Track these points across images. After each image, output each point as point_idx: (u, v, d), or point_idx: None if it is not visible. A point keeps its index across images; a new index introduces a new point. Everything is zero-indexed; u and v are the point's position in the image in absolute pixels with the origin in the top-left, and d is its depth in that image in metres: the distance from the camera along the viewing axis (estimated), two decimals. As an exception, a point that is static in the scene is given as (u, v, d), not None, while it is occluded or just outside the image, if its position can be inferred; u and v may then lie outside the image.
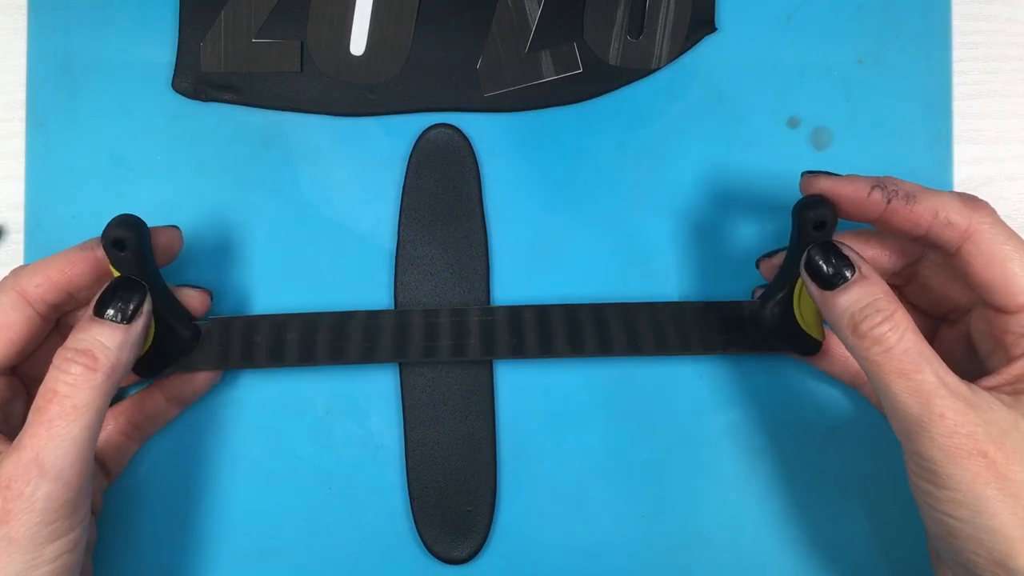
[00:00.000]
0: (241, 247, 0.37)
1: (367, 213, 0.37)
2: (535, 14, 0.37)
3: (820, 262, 0.29)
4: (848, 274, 0.29)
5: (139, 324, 0.30)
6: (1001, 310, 0.29)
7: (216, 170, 0.37)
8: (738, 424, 0.36)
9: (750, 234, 0.37)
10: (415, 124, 0.37)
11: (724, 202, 0.37)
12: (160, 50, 0.37)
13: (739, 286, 0.36)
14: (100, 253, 0.31)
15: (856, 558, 0.36)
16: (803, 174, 0.31)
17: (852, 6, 0.37)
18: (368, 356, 0.34)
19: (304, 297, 0.36)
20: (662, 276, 0.37)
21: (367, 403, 0.36)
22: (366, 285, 0.36)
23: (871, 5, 0.37)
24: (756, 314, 0.34)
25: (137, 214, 0.31)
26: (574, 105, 0.37)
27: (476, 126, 0.37)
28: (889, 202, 0.29)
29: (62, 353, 0.28)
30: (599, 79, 0.37)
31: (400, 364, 0.36)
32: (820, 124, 0.37)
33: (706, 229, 0.37)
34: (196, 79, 0.37)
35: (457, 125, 0.37)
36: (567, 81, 0.37)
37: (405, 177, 0.37)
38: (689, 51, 0.37)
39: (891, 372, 0.27)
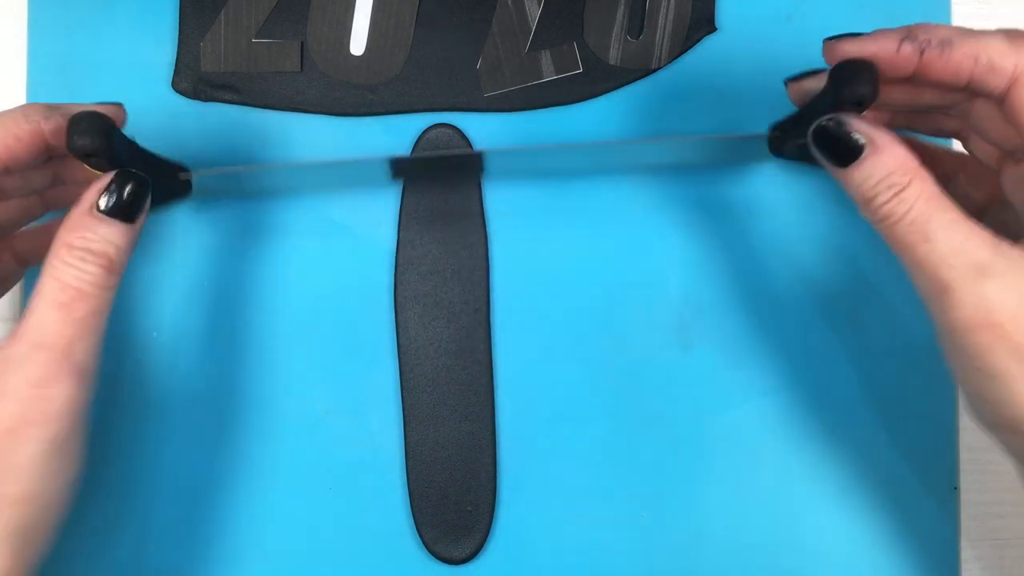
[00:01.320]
0: (241, 247, 0.36)
1: (367, 213, 0.37)
2: (535, 14, 0.37)
3: (829, 139, 0.27)
4: (859, 149, 0.26)
5: (141, 221, 0.29)
6: None
7: (216, 170, 0.37)
8: (738, 424, 0.36)
9: (750, 234, 0.37)
10: (415, 124, 0.37)
11: (724, 202, 0.37)
12: (160, 50, 0.37)
13: (738, 284, 0.36)
14: (49, 127, 0.28)
15: (856, 558, 0.36)
16: (825, 41, 0.28)
17: (852, 6, 0.37)
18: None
19: (304, 297, 0.36)
20: (662, 276, 0.37)
21: (367, 403, 0.36)
22: (366, 285, 0.36)
23: (871, 5, 0.37)
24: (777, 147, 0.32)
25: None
26: (574, 105, 0.37)
27: (476, 126, 0.37)
28: (923, 53, 0.26)
29: (75, 251, 0.27)
30: (599, 79, 0.37)
31: (400, 364, 0.36)
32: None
33: (706, 229, 0.37)
34: (196, 79, 0.37)
35: (457, 125, 0.37)
36: (567, 81, 0.37)
37: (405, 176, 0.37)
38: (689, 51, 0.37)
39: (899, 245, 0.26)
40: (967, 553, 0.36)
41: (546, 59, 0.37)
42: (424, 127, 0.37)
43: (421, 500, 0.36)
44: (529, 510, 0.36)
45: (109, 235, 0.27)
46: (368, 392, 0.36)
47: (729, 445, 0.36)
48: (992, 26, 0.38)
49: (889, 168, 0.26)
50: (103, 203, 0.28)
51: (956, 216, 0.25)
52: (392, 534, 0.36)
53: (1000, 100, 0.26)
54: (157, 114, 0.37)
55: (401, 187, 0.37)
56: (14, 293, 0.36)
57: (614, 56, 0.37)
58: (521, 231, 0.37)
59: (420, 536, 0.36)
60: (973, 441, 0.37)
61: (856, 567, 0.36)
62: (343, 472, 0.36)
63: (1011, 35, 0.26)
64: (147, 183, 0.29)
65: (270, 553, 0.36)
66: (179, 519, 0.36)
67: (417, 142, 0.37)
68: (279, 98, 0.37)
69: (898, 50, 0.27)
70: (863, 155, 0.26)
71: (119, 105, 0.31)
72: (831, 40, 0.28)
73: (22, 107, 0.28)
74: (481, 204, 0.36)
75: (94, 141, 0.27)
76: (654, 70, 0.37)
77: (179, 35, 0.37)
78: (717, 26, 0.37)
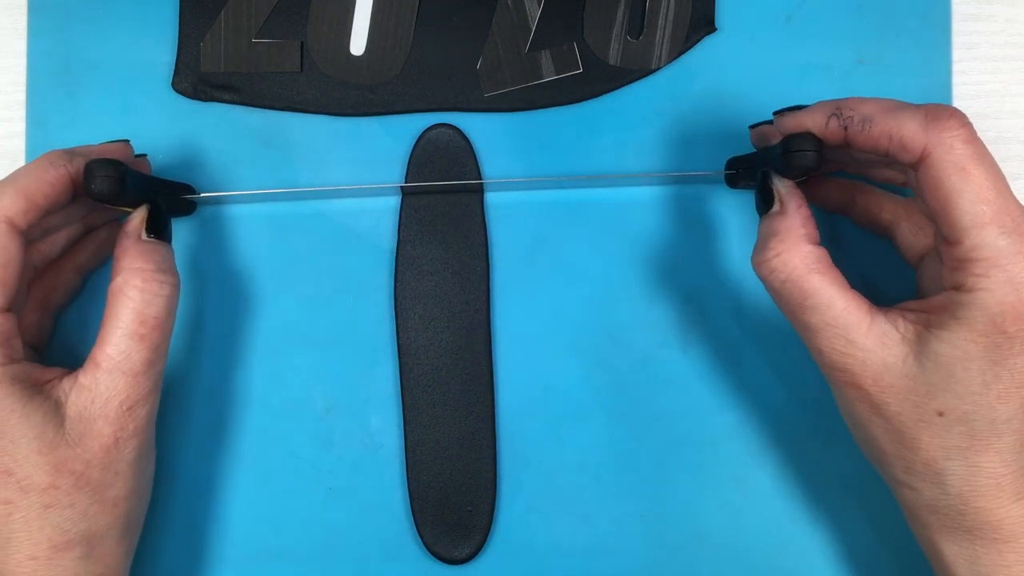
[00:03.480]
0: (241, 247, 0.36)
1: (367, 213, 0.37)
2: (535, 14, 0.37)
3: (759, 190, 0.32)
4: (771, 204, 0.31)
5: (170, 237, 0.33)
6: (946, 240, 0.28)
7: (216, 170, 0.37)
8: (738, 424, 0.36)
9: (750, 234, 0.37)
10: (415, 124, 0.37)
11: (724, 202, 0.37)
12: (160, 50, 0.37)
13: (738, 284, 0.36)
14: (73, 169, 0.31)
15: (856, 558, 0.36)
16: (774, 114, 0.32)
17: (852, 6, 0.37)
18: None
19: (303, 297, 0.36)
20: (662, 276, 0.37)
21: (367, 403, 0.36)
22: (366, 285, 0.36)
23: (871, 5, 0.37)
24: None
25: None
26: (574, 105, 0.37)
27: (476, 126, 0.37)
28: (847, 129, 0.29)
29: (147, 274, 0.30)
30: (599, 79, 0.37)
31: (400, 364, 0.36)
32: (820, 124, 0.37)
33: (706, 229, 0.37)
34: (196, 79, 0.37)
35: (457, 125, 0.37)
36: (567, 81, 0.37)
37: (405, 177, 0.37)
38: (689, 51, 0.37)
39: (784, 306, 0.30)
40: (967, 553, 0.36)
41: (546, 59, 0.37)
42: (424, 127, 0.37)
43: (421, 500, 0.36)
44: (529, 510, 0.36)
45: (164, 256, 0.31)
46: (368, 392, 0.36)
47: (729, 445, 0.36)
48: (992, 26, 0.38)
49: (778, 228, 0.30)
50: (149, 230, 0.32)
51: (835, 289, 0.29)
52: (392, 534, 0.36)
53: (914, 172, 0.29)
54: (157, 114, 0.37)
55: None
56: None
57: (614, 56, 0.37)
58: (521, 231, 0.37)
59: (420, 536, 0.36)
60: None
61: (856, 567, 0.36)
62: (343, 472, 0.36)
63: (929, 115, 0.28)
64: (166, 211, 0.32)
65: (270, 553, 0.36)
66: (179, 519, 0.36)
67: (417, 142, 0.37)
68: (279, 98, 0.37)
69: (827, 125, 0.30)
70: (772, 210, 0.31)
71: (126, 142, 0.34)
72: (778, 114, 0.32)
73: (46, 156, 0.31)
74: (481, 204, 0.36)
75: (111, 187, 0.30)
76: (654, 70, 0.37)
77: (179, 35, 0.37)
78: (717, 26, 0.37)
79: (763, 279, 0.30)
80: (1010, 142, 0.38)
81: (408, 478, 0.36)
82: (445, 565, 0.36)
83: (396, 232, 0.36)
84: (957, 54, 0.37)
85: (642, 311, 0.36)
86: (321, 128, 0.37)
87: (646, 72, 0.37)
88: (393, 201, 0.37)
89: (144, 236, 0.31)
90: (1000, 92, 0.38)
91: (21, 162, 0.37)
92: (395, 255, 0.36)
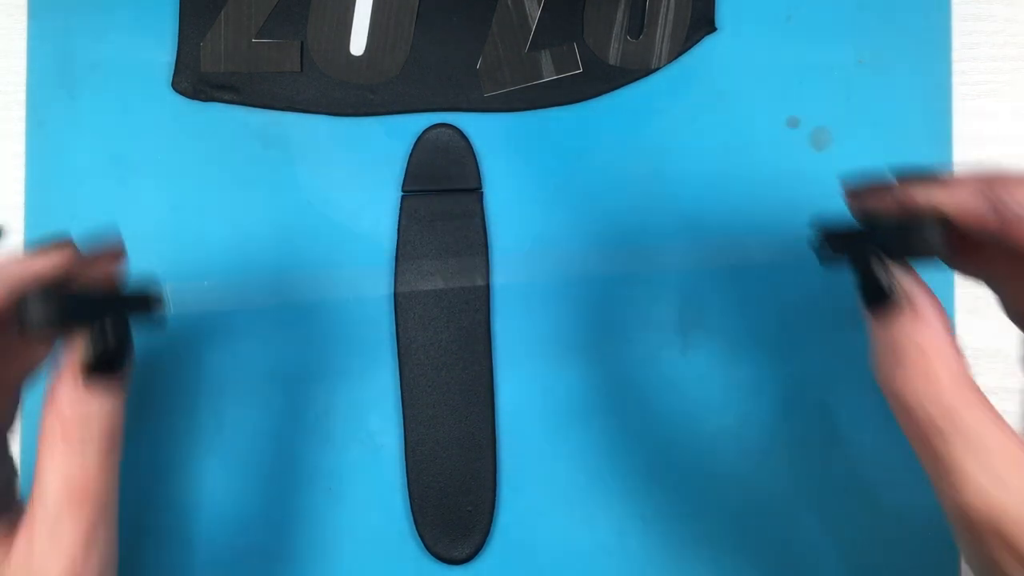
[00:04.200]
0: (241, 247, 0.37)
1: (367, 213, 0.37)
2: (535, 14, 0.37)
3: (867, 279, 0.25)
4: (887, 301, 0.24)
5: (130, 363, 0.27)
6: None
7: (216, 170, 0.37)
8: (738, 424, 0.36)
9: (750, 233, 0.37)
10: (415, 124, 0.37)
11: (724, 202, 0.37)
12: (160, 50, 0.37)
13: (738, 284, 0.36)
14: (74, 251, 0.26)
15: (856, 558, 0.36)
16: (900, 180, 0.25)
17: (852, 6, 0.37)
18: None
19: (303, 297, 0.36)
20: (662, 275, 0.37)
21: (367, 403, 0.36)
22: (366, 285, 0.36)
23: (871, 5, 0.37)
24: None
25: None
26: (574, 105, 0.37)
27: (476, 126, 0.37)
28: (1001, 218, 0.23)
29: (76, 436, 0.25)
30: (599, 79, 0.37)
31: (400, 364, 0.36)
32: (820, 124, 0.37)
33: (706, 229, 0.37)
34: (196, 79, 0.37)
35: (457, 125, 0.37)
36: (567, 81, 0.37)
37: (405, 177, 0.37)
38: (689, 51, 0.37)
39: (917, 431, 0.24)
40: (967, 553, 0.36)
41: (546, 59, 0.37)
42: (424, 127, 0.37)
43: (421, 500, 0.36)
44: (529, 510, 0.36)
45: (101, 408, 0.25)
46: (368, 392, 0.36)
47: (729, 445, 0.36)
48: (992, 26, 0.38)
49: (926, 342, 0.24)
50: (86, 364, 0.25)
51: (983, 414, 0.23)
52: (392, 534, 0.36)
53: None
54: (157, 114, 0.37)
55: (401, 187, 0.37)
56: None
57: (614, 56, 0.37)
58: (521, 231, 0.37)
59: (420, 536, 0.36)
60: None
61: (856, 568, 0.36)
62: (343, 472, 0.36)
63: None
64: (125, 325, 0.26)
65: (270, 553, 0.36)
66: (178, 519, 0.36)
67: (417, 142, 0.37)
68: (279, 98, 0.37)
69: (972, 207, 0.24)
70: (898, 311, 0.24)
71: (67, 244, 0.27)
72: (903, 181, 0.25)
73: (57, 241, 0.26)
74: (481, 204, 0.36)
75: (47, 323, 0.25)
76: (654, 70, 0.37)
77: (179, 35, 0.37)
78: (717, 26, 0.37)
79: (900, 400, 0.24)
80: (1010, 142, 0.38)
81: (408, 478, 0.36)
82: (445, 565, 0.36)
83: (396, 232, 0.37)
84: (957, 54, 0.37)
85: (642, 311, 0.36)
86: (321, 128, 0.37)
87: (646, 72, 0.37)
88: (393, 202, 0.37)
89: (82, 379, 0.25)
90: (1000, 92, 0.38)
91: (21, 162, 0.37)
92: (395, 255, 0.36)
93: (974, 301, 0.37)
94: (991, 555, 0.23)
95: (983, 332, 0.37)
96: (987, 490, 0.22)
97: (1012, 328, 0.37)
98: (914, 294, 0.24)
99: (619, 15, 0.37)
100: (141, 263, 0.36)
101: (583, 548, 0.36)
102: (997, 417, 0.23)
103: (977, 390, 0.24)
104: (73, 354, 0.25)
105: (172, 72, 0.37)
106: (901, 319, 0.24)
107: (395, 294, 0.36)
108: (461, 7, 0.37)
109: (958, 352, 0.24)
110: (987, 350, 0.37)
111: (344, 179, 0.37)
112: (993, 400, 0.37)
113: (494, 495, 0.36)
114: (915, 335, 0.24)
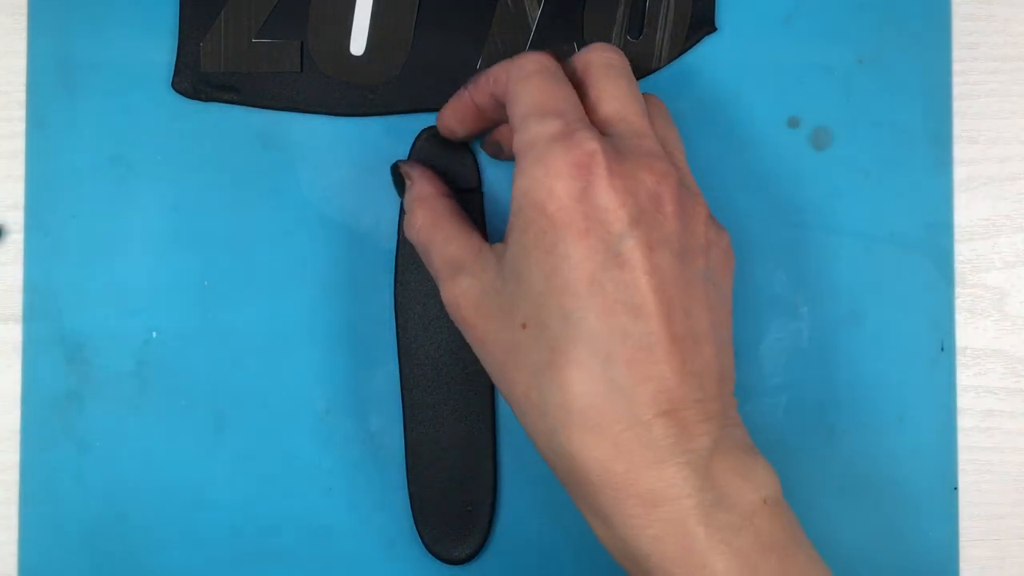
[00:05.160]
0: (241, 247, 0.36)
1: (367, 213, 0.37)
2: (535, 14, 0.37)
3: (395, 178, 0.35)
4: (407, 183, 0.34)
5: None
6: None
7: (216, 170, 0.37)
8: (738, 424, 0.36)
9: (750, 233, 0.37)
10: (415, 124, 0.37)
11: (724, 202, 0.37)
12: (160, 50, 0.37)
13: (738, 284, 0.36)
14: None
15: (856, 558, 0.36)
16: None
17: (852, 6, 0.37)
18: None
19: (303, 297, 0.36)
20: (662, 276, 0.36)
21: (367, 403, 0.36)
22: (366, 285, 0.36)
23: (871, 5, 0.37)
24: None
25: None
26: (574, 105, 0.37)
27: (476, 126, 0.37)
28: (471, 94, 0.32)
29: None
30: (599, 79, 0.37)
31: (400, 364, 0.36)
32: (820, 124, 0.37)
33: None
34: (196, 79, 0.37)
35: (457, 125, 0.37)
36: (567, 81, 0.37)
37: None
38: (689, 51, 0.37)
39: (417, 249, 0.32)
40: (967, 553, 0.36)
41: (546, 59, 0.37)
42: (424, 127, 0.37)
43: (421, 500, 0.36)
44: (529, 510, 0.36)
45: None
46: (368, 392, 0.36)
47: (729, 445, 0.36)
48: (992, 26, 0.38)
49: (411, 197, 0.33)
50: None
51: (449, 233, 0.31)
52: (392, 534, 0.36)
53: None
54: (157, 114, 0.37)
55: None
56: (15, 292, 0.36)
57: (614, 56, 0.37)
58: (521, 231, 0.37)
59: (420, 536, 0.36)
60: (973, 441, 0.37)
61: (856, 567, 0.36)
62: (343, 472, 0.36)
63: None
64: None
65: (270, 554, 0.36)
66: (178, 519, 0.36)
67: (416, 142, 0.36)
68: (279, 98, 0.37)
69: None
70: (407, 186, 0.33)
71: None
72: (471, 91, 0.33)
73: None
74: (481, 204, 0.36)
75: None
76: (654, 70, 0.37)
77: (179, 35, 0.37)
78: (717, 26, 0.37)
79: (413, 240, 0.32)
80: (1010, 142, 0.38)
81: (408, 478, 0.36)
82: (445, 565, 0.36)
83: (396, 232, 0.36)
84: (957, 54, 0.37)
85: (642, 311, 0.36)
86: (321, 128, 0.37)
87: (646, 72, 0.37)
88: (393, 202, 0.37)
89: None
90: (1000, 92, 0.38)
91: (21, 162, 0.37)
92: (395, 255, 0.36)
93: (974, 301, 0.37)
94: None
95: (983, 332, 0.37)
96: (451, 286, 0.30)
97: (1012, 328, 0.37)
98: (411, 172, 0.34)
99: (619, 15, 0.37)
100: (141, 263, 0.36)
101: (583, 548, 0.36)
102: (459, 231, 0.31)
103: (446, 218, 0.32)
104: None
105: (172, 72, 0.37)
106: (408, 190, 0.33)
107: (395, 294, 0.36)
108: (461, 7, 0.37)
109: (432, 199, 0.32)
110: (987, 350, 0.37)
111: (344, 179, 0.37)
112: (993, 400, 0.37)
113: (494, 495, 0.36)
114: (407, 196, 0.33)
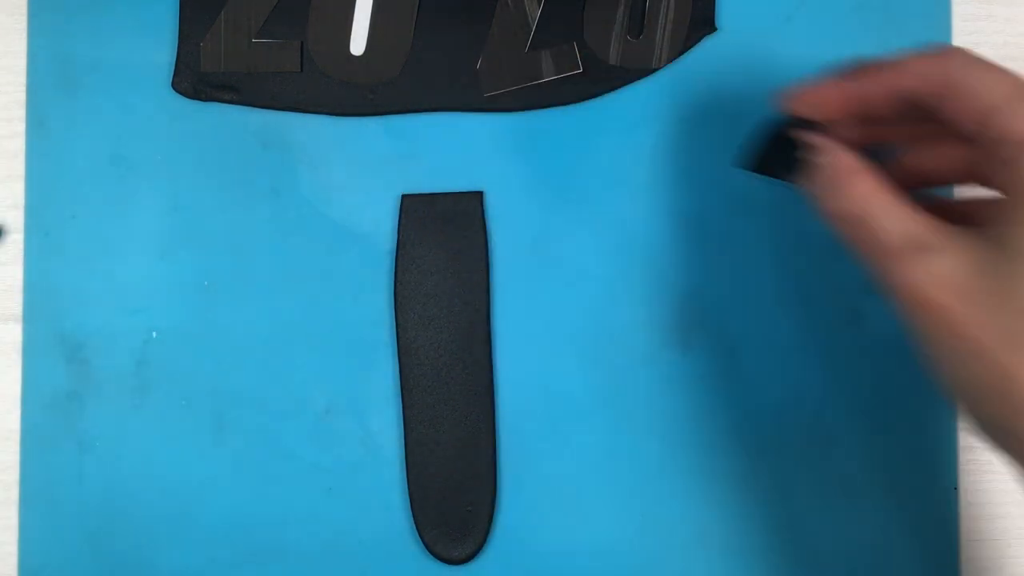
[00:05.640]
0: (241, 247, 0.36)
1: (367, 213, 0.37)
2: (535, 14, 0.37)
3: (783, 153, 0.31)
4: (807, 157, 0.30)
5: None
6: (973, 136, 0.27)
7: (216, 170, 0.37)
8: (738, 424, 0.36)
9: (750, 233, 0.37)
10: (415, 124, 0.37)
11: (724, 202, 0.37)
12: (160, 50, 0.37)
13: (738, 284, 0.37)
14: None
15: (856, 558, 0.36)
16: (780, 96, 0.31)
17: (852, 6, 0.37)
18: None
19: (303, 297, 0.36)
20: (662, 276, 0.37)
21: (367, 403, 0.36)
22: (366, 285, 0.36)
23: (871, 5, 0.37)
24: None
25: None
26: (574, 105, 0.37)
27: (476, 126, 0.37)
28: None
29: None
30: (599, 79, 0.37)
31: (400, 364, 0.36)
32: (820, 124, 0.37)
33: (706, 229, 0.37)
34: (196, 79, 0.37)
35: (457, 125, 0.37)
36: (567, 81, 0.37)
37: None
38: (689, 51, 0.37)
39: (848, 240, 0.28)
40: (967, 553, 0.36)
41: (546, 59, 0.37)
42: (424, 127, 0.37)
43: (421, 500, 0.36)
44: (529, 510, 0.36)
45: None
46: (368, 392, 0.36)
47: (729, 445, 0.36)
48: (992, 26, 0.38)
49: (835, 164, 0.28)
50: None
51: (897, 206, 0.27)
52: (392, 534, 0.36)
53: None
54: (157, 114, 0.37)
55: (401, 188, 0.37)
56: (15, 292, 0.36)
57: (614, 56, 0.37)
58: (521, 231, 0.37)
59: (420, 536, 0.36)
60: (973, 441, 0.37)
61: (856, 567, 0.36)
62: (343, 472, 0.36)
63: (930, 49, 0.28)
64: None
65: (270, 553, 0.36)
66: (178, 519, 0.36)
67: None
68: (279, 98, 0.37)
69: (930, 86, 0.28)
70: (819, 154, 0.29)
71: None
72: (858, 69, 0.30)
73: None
74: (481, 204, 0.36)
75: None
76: (654, 70, 0.37)
77: (179, 35, 0.37)
78: (717, 26, 0.37)
79: (842, 218, 0.29)
80: (1010, 142, 0.38)
81: (408, 478, 0.36)
82: (445, 565, 0.36)
83: (396, 232, 0.36)
84: (957, 54, 0.37)
85: (642, 311, 0.36)
86: (321, 128, 0.37)
87: (646, 72, 0.37)
88: (393, 201, 0.37)
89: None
90: (1000, 92, 0.38)
91: (21, 162, 0.37)
92: (395, 255, 0.36)
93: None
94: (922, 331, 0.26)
95: (983, 332, 0.37)
96: (915, 266, 0.26)
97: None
98: (818, 142, 0.29)
99: (619, 15, 0.37)
100: (141, 263, 0.36)
101: (583, 548, 0.36)
102: (907, 203, 0.27)
103: (887, 189, 0.28)
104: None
105: (172, 72, 0.37)
106: (820, 161, 0.29)
107: (395, 294, 0.36)
108: (461, 7, 0.37)
109: (865, 166, 0.28)
110: (987, 350, 0.37)
111: (344, 179, 0.37)
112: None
113: (494, 495, 0.36)
114: (830, 165, 0.29)
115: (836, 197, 0.28)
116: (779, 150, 0.31)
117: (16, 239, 0.37)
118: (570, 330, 0.36)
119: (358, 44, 0.37)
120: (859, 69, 0.29)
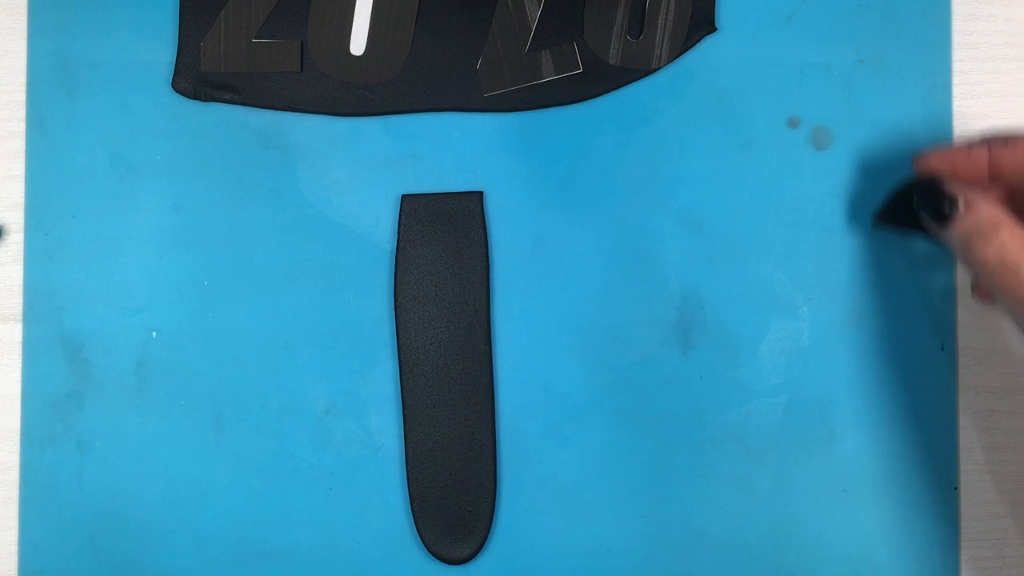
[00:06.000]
0: (241, 247, 0.37)
1: (367, 213, 0.37)
2: (535, 14, 0.37)
3: (930, 205, 0.32)
4: (954, 209, 0.31)
5: None
6: None
7: (216, 170, 0.37)
8: (738, 424, 0.36)
9: (750, 233, 0.37)
10: (415, 124, 0.37)
11: (724, 202, 0.37)
12: (160, 50, 0.37)
13: (738, 284, 0.36)
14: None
15: (857, 558, 0.36)
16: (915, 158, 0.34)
17: (852, 6, 0.37)
18: None
19: (303, 297, 0.36)
20: (662, 275, 0.37)
21: (367, 403, 0.36)
22: (366, 285, 0.36)
23: (871, 5, 0.37)
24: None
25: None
26: (574, 105, 0.37)
27: (476, 126, 0.37)
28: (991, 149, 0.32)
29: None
30: (599, 79, 0.37)
31: (400, 364, 0.36)
32: (820, 124, 0.37)
33: (706, 229, 0.37)
34: (196, 79, 0.37)
35: (457, 125, 0.37)
36: (567, 81, 0.37)
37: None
38: (689, 51, 0.37)
39: (999, 288, 0.30)
40: (967, 553, 0.36)
41: (546, 59, 0.37)
42: (424, 127, 0.37)
43: (421, 500, 0.36)
44: (529, 510, 0.36)
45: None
46: (368, 392, 0.36)
47: (729, 445, 0.36)
48: (993, 26, 0.38)
49: (977, 221, 0.30)
50: None
51: None
52: (392, 534, 0.36)
53: None
54: (157, 114, 0.37)
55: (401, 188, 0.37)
56: (15, 292, 0.36)
57: (614, 56, 0.37)
58: (521, 231, 0.37)
59: (420, 536, 0.36)
60: (973, 441, 0.37)
61: (856, 567, 0.36)
62: (343, 472, 0.36)
63: None
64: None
65: (270, 553, 0.36)
66: (179, 519, 0.36)
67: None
68: (279, 98, 0.37)
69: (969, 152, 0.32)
70: (958, 212, 0.31)
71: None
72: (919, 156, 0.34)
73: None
74: (481, 204, 0.36)
75: None
76: (654, 70, 0.37)
77: (179, 35, 0.37)
78: (717, 26, 0.37)
79: (987, 264, 0.30)
80: (1010, 142, 0.38)
81: (408, 478, 0.36)
82: (445, 565, 0.36)
83: (396, 232, 0.37)
84: (957, 54, 0.37)
85: (642, 311, 0.36)
86: (321, 128, 0.37)
87: (646, 72, 0.37)
88: (393, 202, 0.37)
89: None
90: (1000, 92, 0.38)
91: (21, 162, 0.37)
92: (395, 255, 0.36)
93: (974, 301, 0.37)
94: None
95: (983, 332, 0.37)
96: None
97: (1012, 328, 0.37)
98: (964, 194, 0.31)
99: (619, 15, 0.37)
100: (141, 263, 0.36)
101: (583, 548, 0.36)
102: None
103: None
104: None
105: (172, 72, 0.37)
106: (968, 213, 0.31)
107: (395, 294, 0.36)
108: (461, 7, 0.37)
109: (1009, 219, 0.30)
110: (987, 350, 0.37)
111: (344, 179, 0.37)
112: (992, 400, 0.37)
113: (494, 495, 0.36)
114: (978, 217, 0.31)
115: (984, 247, 0.30)
116: (920, 207, 0.32)
117: (16, 239, 0.37)
118: (570, 330, 0.36)
119: (358, 44, 0.37)
120: (991, 138, 0.32)
